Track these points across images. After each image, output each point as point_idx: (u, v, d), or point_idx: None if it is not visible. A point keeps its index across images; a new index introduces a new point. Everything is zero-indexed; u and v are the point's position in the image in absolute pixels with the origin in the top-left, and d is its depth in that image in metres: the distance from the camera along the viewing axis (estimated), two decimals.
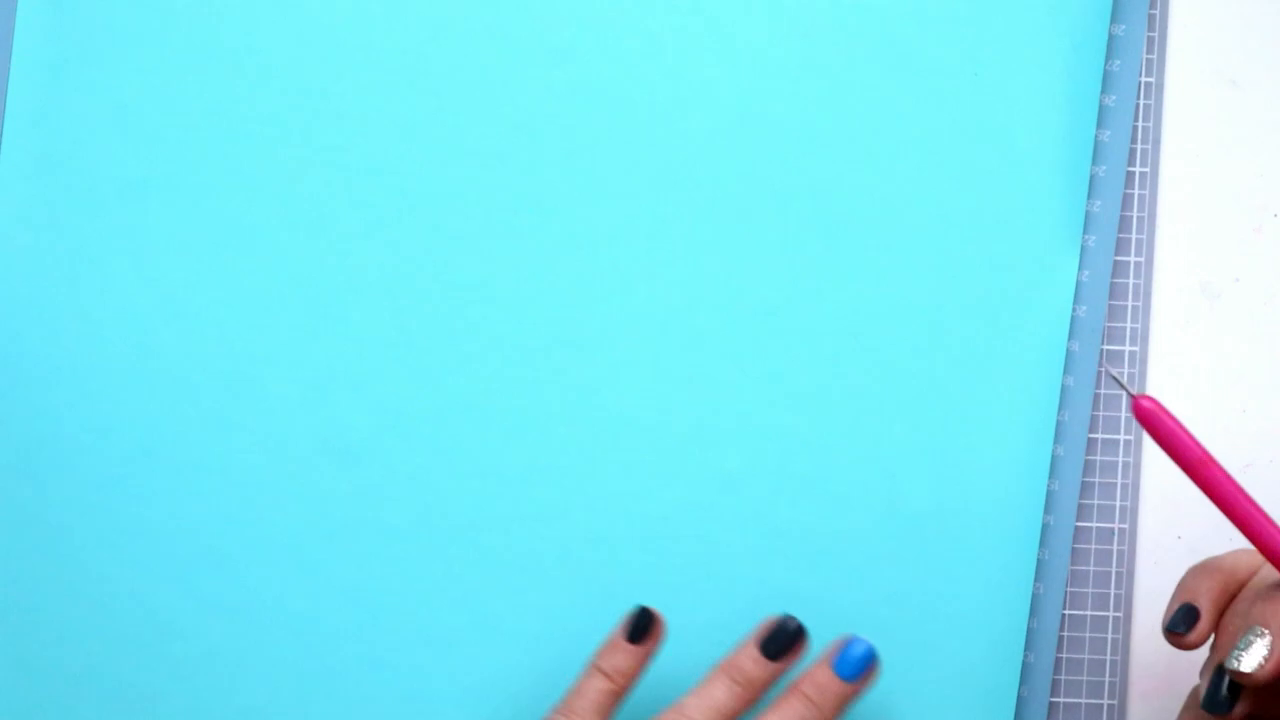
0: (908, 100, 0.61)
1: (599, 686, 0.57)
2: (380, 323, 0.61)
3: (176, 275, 0.62)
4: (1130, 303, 0.63)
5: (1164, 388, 0.63)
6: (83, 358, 0.62)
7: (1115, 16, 0.62)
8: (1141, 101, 0.63)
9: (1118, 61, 0.62)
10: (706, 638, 0.61)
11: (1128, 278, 0.63)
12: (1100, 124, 0.62)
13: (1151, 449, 0.63)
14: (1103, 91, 0.62)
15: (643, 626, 0.58)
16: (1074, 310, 0.62)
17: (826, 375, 0.61)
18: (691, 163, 0.61)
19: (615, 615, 0.60)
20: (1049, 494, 0.62)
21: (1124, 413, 0.63)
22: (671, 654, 0.61)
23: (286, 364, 0.62)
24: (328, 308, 0.61)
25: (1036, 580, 0.62)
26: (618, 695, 0.57)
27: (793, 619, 0.58)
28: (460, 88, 0.61)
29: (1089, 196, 0.62)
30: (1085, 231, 0.62)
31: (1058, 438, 0.62)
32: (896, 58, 0.61)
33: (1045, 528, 0.62)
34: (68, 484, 0.62)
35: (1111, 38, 0.62)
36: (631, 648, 0.58)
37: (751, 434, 0.61)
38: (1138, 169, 0.63)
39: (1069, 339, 0.62)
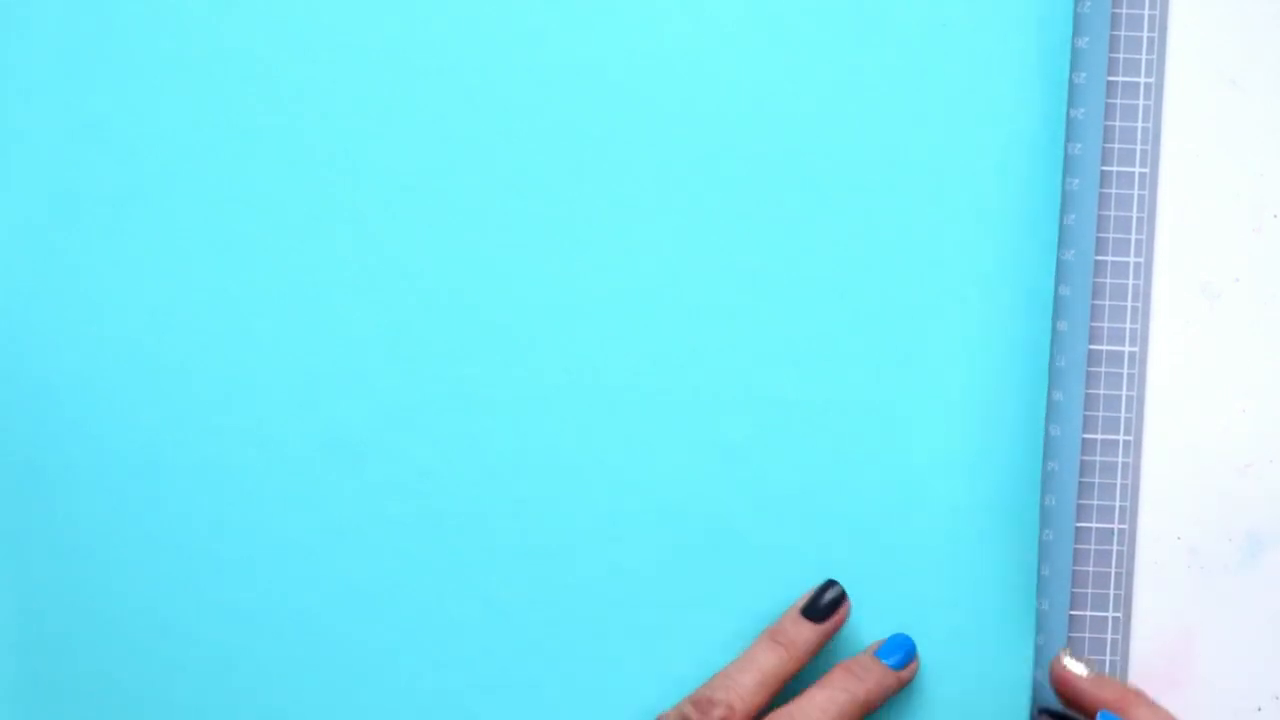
0: (890, 87, 0.61)
1: (772, 658, 0.58)
2: (378, 316, 0.61)
3: (173, 278, 0.61)
4: (1130, 303, 0.63)
5: (1164, 388, 0.63)
6: (80, 360, 0.62)
7: (1078, 30, 0.62)
8: (1141, 102, 0.63)
9: (1083, 74, 0.62)
10: (718, 616, 0.61)
11: (1127, 278, 0.63)
12: (1070, 137, 0.62)
13: (1152, 449, 0.63)
14: (1070, 105, 0.62)
15: (824, 603, 0.59)
16: (1055, 325, 0.62)
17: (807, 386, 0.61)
18: (682, 144, 0.61)
19: (626, 596, 0.61)
20: (1045, 508, 0.62)
21: (1123, 413, 0.63)
22: (679, 633, 0.61)
23: (285, 362, 0.62)
24: (324, 304, 0.61)
25: (1040, 596, 0.62)
26: (787, 669, 0.58)
27: (834, 583, 0.59)
28: (448, 79, 0.61)
29: (1063, 210, 0.62)
30: (1062, 246, 0.62)
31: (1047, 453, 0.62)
32: (875, 53, 0.61)
33: (1044, 542, 0.62)
34: (70, 491, 0.62)
35: (1075, 50, 0.62)
36: (810, 624, 0.59)
37: (752, 419, 0.61)
38: (1137, 169, 0.63)
39: (1053, 356, 0.62)
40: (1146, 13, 0.63)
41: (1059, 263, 0.62)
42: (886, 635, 0.61)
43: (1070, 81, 0.62)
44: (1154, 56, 0.63)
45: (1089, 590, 0.63)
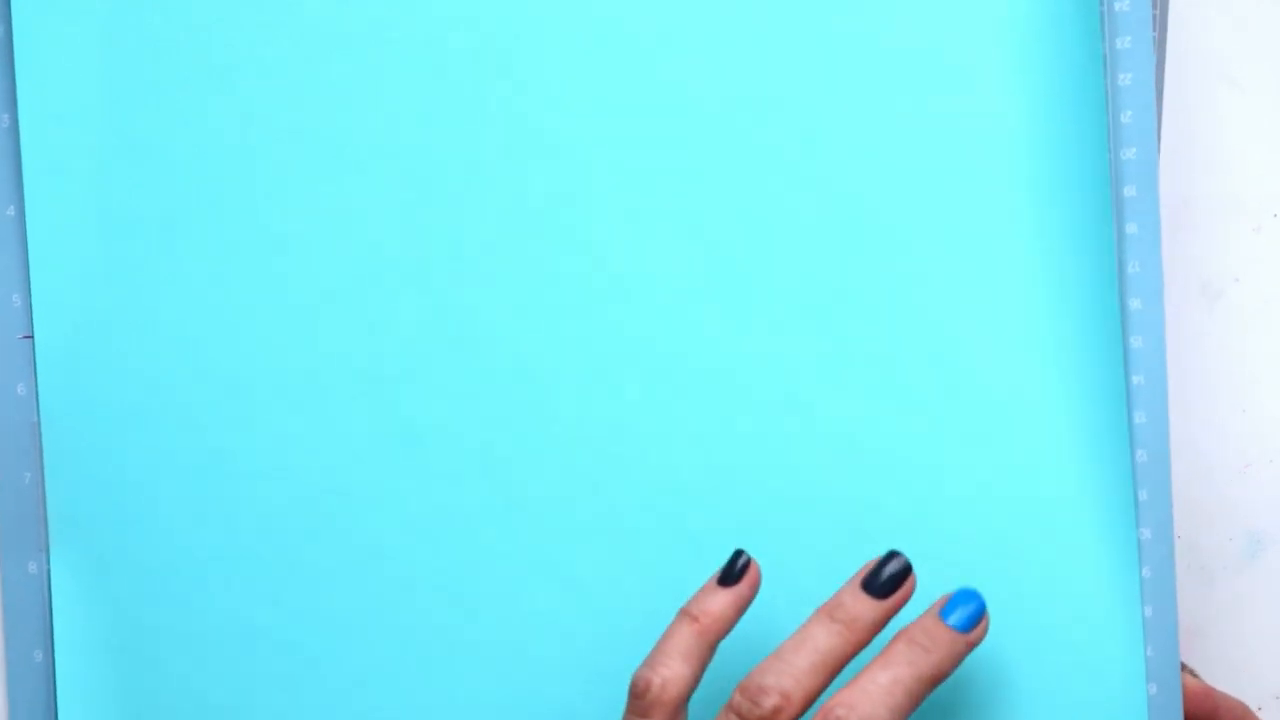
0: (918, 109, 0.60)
1: (686, 630, 0.54)
2: (418, 347, 0.61)
3: (221, 297, 0.62)
4: None
5: None
6: (139, 368, 0.62)
7: (1120, 30, 0.60)
8: None
9: (1129, 75, 0.60)
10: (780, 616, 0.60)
11: None
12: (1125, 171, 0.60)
13: None
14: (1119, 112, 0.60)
15: (735, 569, 0.55)
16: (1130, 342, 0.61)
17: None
18: (720, 163, 0.60)
19: (667, 597, 0.59)
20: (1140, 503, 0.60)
21: None
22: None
23: (309, 376, 0.62)
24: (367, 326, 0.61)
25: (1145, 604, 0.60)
26: (707, 639, 0.54)
27: (898, 554, 0.54)
28: (481, 96, 0.61)
29: (1124, 219, 0.60)
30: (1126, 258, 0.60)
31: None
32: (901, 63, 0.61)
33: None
34: (137, 494, 0.62)
35: (1118, 52, 0.60)
36: (722, 590, 0.54)
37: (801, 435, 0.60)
38: None
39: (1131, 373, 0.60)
40: (1151, 27, 0.63)
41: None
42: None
43: (1117, 84, 0.60)
44: (1154, 56, 0.63)
45: None
